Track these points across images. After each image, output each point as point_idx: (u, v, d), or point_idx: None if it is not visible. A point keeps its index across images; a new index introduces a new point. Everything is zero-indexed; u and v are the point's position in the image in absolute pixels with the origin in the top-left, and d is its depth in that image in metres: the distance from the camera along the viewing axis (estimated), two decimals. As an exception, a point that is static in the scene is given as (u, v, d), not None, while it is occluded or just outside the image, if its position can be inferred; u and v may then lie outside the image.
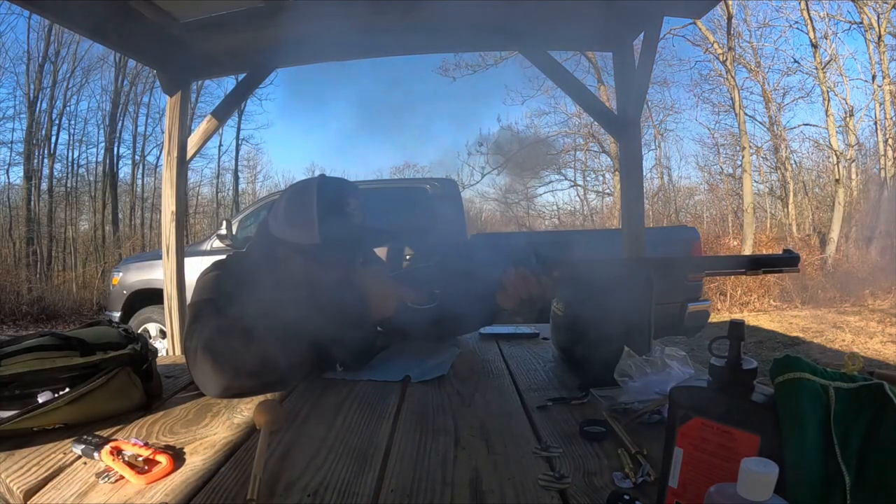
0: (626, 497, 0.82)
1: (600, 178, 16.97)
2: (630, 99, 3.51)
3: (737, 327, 0.74)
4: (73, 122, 15.34)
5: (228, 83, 11.99)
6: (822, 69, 13.55)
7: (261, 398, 1.32)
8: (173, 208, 3.83)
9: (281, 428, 1.15)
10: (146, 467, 0.98)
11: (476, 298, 1.64)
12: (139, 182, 16.59)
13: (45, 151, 14.86)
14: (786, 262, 1.34)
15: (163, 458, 1.00)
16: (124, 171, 16.46)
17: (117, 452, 1.01)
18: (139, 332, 2.22)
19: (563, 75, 3.69)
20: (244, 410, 1.28)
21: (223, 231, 6.41)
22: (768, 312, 10.84)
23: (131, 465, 0.98)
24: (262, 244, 1.70)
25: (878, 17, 12.77)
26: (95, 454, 1.02)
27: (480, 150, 15.38)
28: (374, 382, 1.50)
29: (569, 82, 3.70)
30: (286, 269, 1.65)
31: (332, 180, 1.68)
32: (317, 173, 1.99)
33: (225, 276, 1.59)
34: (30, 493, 0.93)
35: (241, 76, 3.94)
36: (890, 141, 12.87)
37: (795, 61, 14.23)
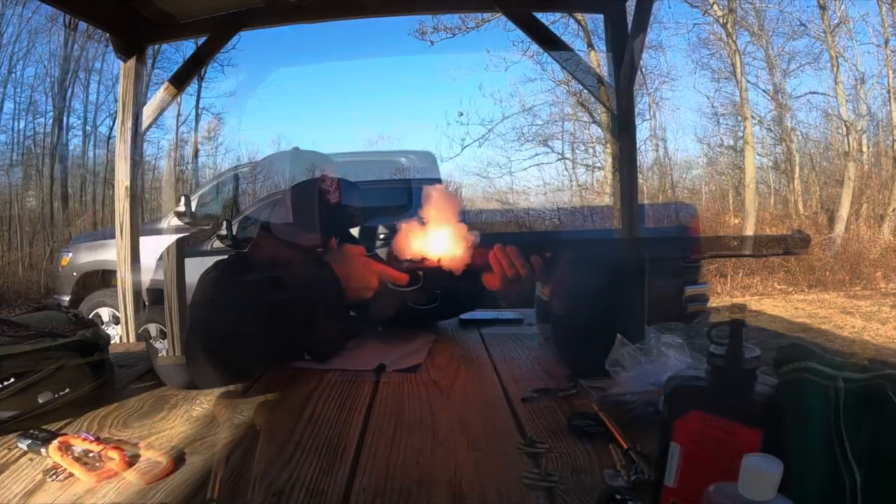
0: (619, 497, 0.83)
1: (590, 150, 16.96)
2: (623, 65, 3.50)
3: (738, 312, 0.74)
4: (18, 89, 15.13)
5: (187, 47, 11.88)
6: (831, 33, 13.60)
7: (221, 390, 1.32)
8: (127, 183, 3.81)
9: (247, 423, 1.15)
10: (97, 464, 0.97)
11: (459, 280, 1.64)
12: (90, 154, 16.41)
13: (-12, 122, 14.66)
14: (793, 243, 1.35)
15: (115, 455, 0.99)
16: (74, 142, 16.26)
17: (66, 448, 1.01)
18: (90, 317, 2.20)
19: (550, 39, 3.68)
20: (203, 402, 1.28)
21: (181, 208, 6.35)
22: (772, 296, 10.92)
23: (81, 462, 0.97)
24: (261, 244, 1.76)
25: (893, -23, 12.82)
26: (43, 450, 1.02)
27: (460, 121, 15.33)
28: (345, 372, 1.50)
29: (556, 46, 3.69)
30: (277, 265, 1.68)
31: (307, 154, 1.70)
32: (283, 145, 2.00)
33: (226, 276, 1.63)
34: (-31, 493, 0.92)
35: (202, 40, 3.90)
36: (903, 111, 12.97)
37: (802, 24, 14.26)
